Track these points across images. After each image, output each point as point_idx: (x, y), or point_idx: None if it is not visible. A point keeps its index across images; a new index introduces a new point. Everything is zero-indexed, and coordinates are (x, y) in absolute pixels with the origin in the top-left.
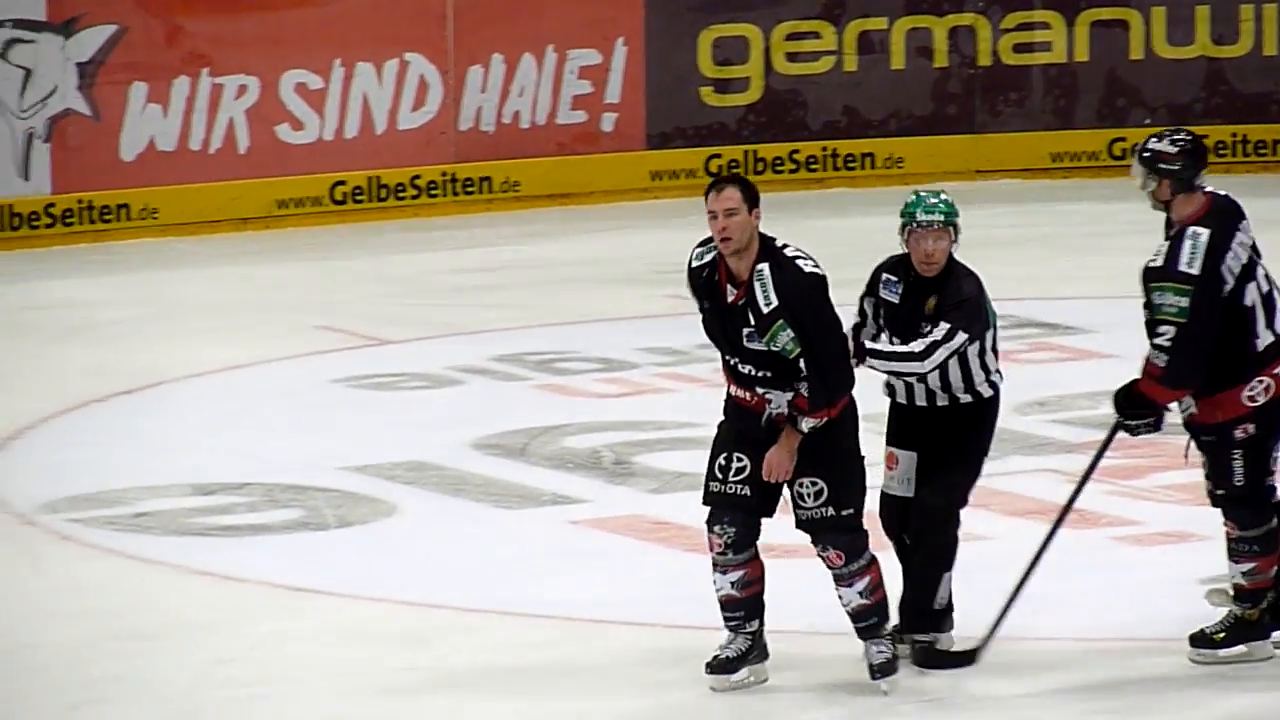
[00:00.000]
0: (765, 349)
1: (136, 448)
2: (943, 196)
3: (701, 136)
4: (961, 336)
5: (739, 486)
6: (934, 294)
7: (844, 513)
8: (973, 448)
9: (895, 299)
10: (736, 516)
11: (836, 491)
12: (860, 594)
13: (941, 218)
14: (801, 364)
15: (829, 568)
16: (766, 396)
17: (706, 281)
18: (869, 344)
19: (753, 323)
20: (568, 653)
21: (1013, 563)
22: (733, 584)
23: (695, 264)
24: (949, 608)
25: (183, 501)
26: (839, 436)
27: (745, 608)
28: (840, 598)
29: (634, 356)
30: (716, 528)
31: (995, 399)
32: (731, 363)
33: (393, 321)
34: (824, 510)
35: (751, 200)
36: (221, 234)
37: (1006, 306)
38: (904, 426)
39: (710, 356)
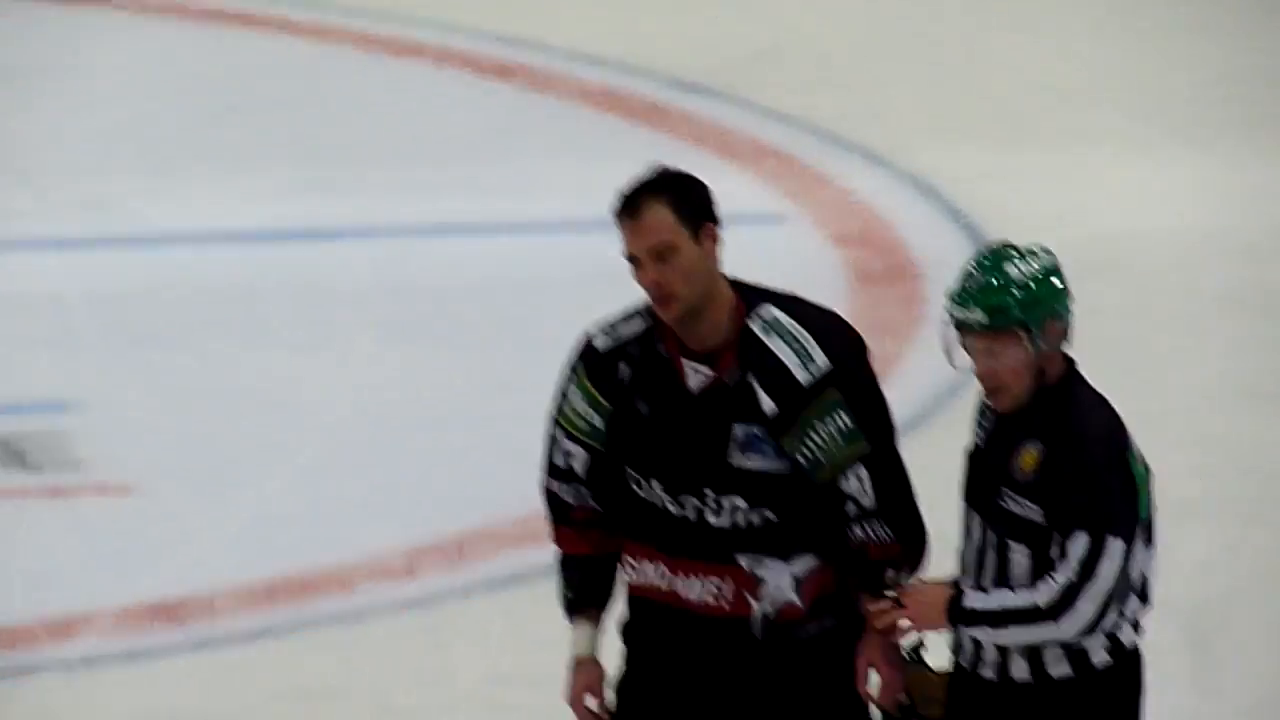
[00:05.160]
0: (773, 469)
1: None
2: (1007, 267)
3: None
4: (1116, 553)
5: None
6: (1035, 439)
7: None
8: None
9: (980, 443)
10: None
11: None
12: None
13: (983, 316)
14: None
15: None
16: (756, 574)
17: (637, 371)
18: (969, 595)
19: (767, 411)
20: None
21: None
22: None
23: (602, 349)
24: None
25: None
26: (836, 664)
27: None
28: None
29: None
30: None
31: (1126, 670)
32: (682, 512)
33: None
34: None
35: (695, 215)
36: None
37: None
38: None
39: None
